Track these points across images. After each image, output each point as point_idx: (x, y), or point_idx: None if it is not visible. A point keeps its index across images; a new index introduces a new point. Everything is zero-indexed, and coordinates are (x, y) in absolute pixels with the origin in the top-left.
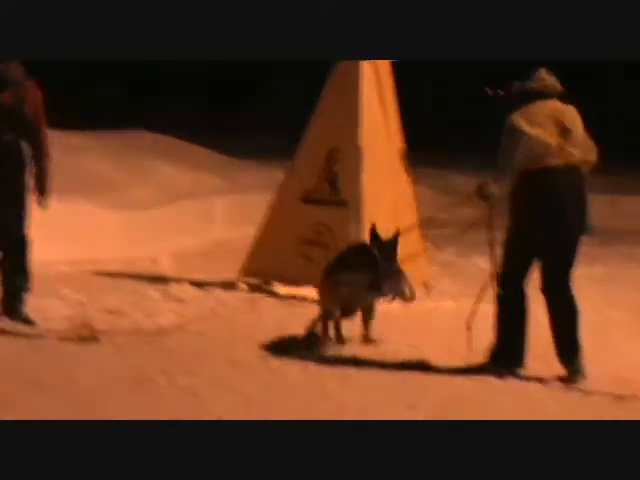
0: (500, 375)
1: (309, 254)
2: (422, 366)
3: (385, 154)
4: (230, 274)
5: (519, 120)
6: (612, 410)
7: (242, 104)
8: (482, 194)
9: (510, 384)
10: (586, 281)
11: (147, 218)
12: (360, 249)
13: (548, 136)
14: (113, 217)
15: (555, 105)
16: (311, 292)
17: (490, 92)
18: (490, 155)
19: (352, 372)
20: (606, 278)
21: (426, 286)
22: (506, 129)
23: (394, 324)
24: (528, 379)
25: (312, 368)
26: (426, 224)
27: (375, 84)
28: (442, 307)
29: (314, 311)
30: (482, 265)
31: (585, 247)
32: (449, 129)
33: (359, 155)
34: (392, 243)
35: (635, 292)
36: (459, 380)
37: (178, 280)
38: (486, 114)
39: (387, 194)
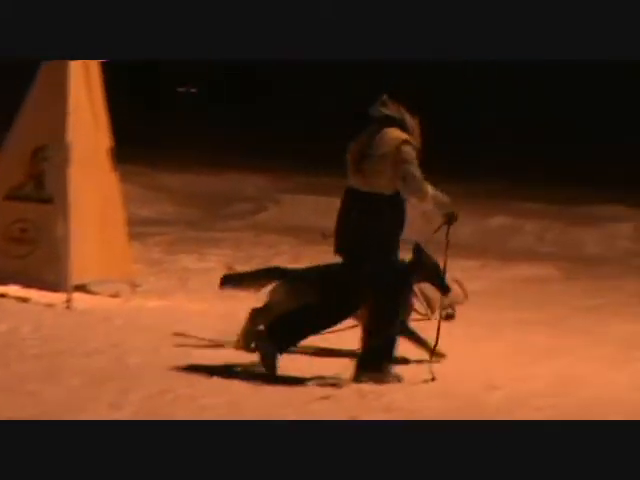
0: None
1: (14, 251)
2: (125, 365)
3: (92, 152)
4: None
5: None
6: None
7: None
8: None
9: (214, 382)
10: None
11: None
12: None
13: (349, 158)
14: None
15: (377, 133)
16: (15, 290)
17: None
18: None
19: (55, 369)
20: None
21: (131, 284)
22: None
23: (100, 323)
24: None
25: (15, 366)
26: (132, 222)
27: (84, 83)
28: (148, 306)
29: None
30: (187, 264)
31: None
32: (158, 127)
33: (66, 152)
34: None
35: None
36: (161, 377)
37: None
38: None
39: (94, 191)
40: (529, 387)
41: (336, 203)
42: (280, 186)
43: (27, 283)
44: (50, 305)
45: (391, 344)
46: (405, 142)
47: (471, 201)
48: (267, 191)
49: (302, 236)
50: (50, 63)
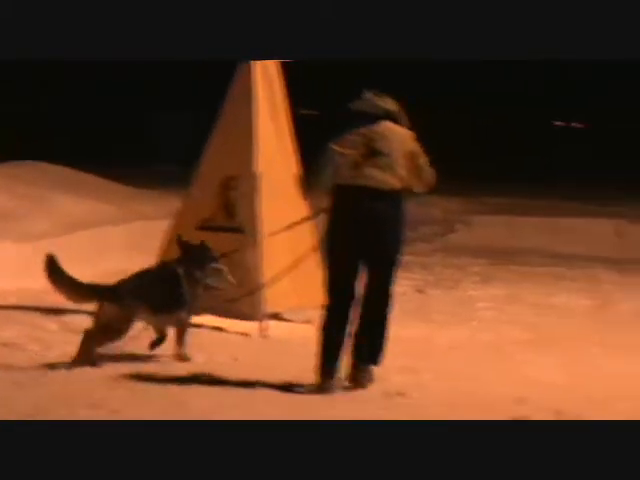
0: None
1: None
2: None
3: (281, 180)
4: None
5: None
6: None
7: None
8: None
9: None
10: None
11: (42, 249)
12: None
13: (350, 155)
14: (8, 248)
15: (376, 127)
16: (211, 320)
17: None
18: None
19: (250, 398)
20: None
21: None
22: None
23: (295, 350)
24: None
25: (211, 395)
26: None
27: (270, 111)
28: None
29: (211, 338)
30: None
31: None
32: None
33: (255, 182)
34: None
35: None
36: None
37: (75, 311)
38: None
39: (284, 220)
40: None
41: (528, 222)
42: (468, 208)
43: (222, 313)
44: (245, 334)
45: None
46: (413, 135)
47: None
48: (455, 213)
49: (493, 257)
50: (235, 91)
